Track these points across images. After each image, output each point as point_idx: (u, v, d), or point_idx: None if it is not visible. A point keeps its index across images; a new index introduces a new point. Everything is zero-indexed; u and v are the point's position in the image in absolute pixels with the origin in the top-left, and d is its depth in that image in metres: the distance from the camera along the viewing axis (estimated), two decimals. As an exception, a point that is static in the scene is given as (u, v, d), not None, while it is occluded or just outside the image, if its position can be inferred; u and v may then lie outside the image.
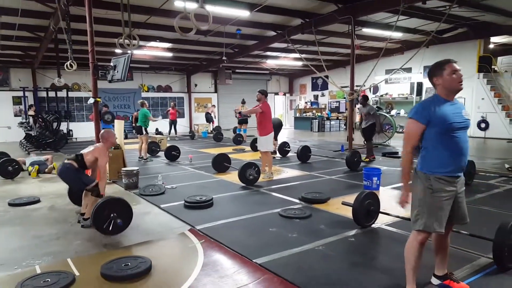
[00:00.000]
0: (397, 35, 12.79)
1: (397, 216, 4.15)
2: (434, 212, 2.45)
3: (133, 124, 14.13)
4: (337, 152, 10.66)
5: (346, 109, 19.06)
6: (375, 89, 17.50)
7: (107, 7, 8.71)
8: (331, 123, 19.69)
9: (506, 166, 7.09)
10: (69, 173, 4.33)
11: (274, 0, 9.32)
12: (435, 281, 2.78)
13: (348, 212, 4.30)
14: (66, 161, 4.38)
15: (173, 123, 16.30)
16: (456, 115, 2.45)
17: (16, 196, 5.93)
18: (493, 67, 14.20)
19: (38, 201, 5.64)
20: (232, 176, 7.13)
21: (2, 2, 8.71)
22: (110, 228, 3.99)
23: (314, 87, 22.96)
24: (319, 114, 20.39)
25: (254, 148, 10.47)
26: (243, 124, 14.45)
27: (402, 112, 16.61)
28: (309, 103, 22.52)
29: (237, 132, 14.22)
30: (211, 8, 8.52)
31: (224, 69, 18.89)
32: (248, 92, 22.15)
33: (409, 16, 10.34)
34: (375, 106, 13.16)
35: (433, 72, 2.53)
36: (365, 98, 9.38)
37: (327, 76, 13.17)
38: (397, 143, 12.65)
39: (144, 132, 9.66)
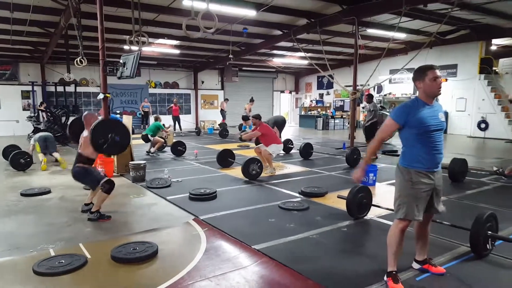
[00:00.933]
0: (401, 36, 12.96)
1: (387, 209, 4.41)
2: (414, 202, 2.71)
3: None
4: (339, 150, 10.91)
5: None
6: (379, 88, 17.66)
7: (117, 5, 8.95)
8: (336, 121, 19.88)
9: (494, 168, 7.08)
10: (80, 176, 4.60)
11: (280, 0, 9.54)
12: (415, 265, 3.06)
13: (343, 206, 4.56)
14: (74, 166, 4.59)
15: (176, 119, 16.55)
16: (433, 118, 2.69)
17: (28, 187, 6.17)
18: (494, 68, 14.33)
19: (49, 191, 5.90)
20: (236, 171, 7.38)
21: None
22: (108, 146, 4.41)
23: (320, 86, 23.16)
24: (324, 112, 20.59)
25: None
26: (248, 121, 14.68)
27: (405, 111, 16.73)
28: (314, 102, 22.72)
29: (243, 129, 14.47)
30: (218, 7, 8.74)
31: (230, 67, 19.14)
32: (255, 90, 22.45)
33: (412, 17, 10.53)
34: (378, 105, 13.35)
35: (416, 76, 2.76)
36: (370, 96, 9.66)
37: (331, 75, 13.38)
38: (397, 141, 12.81)
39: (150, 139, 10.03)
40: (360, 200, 4.39)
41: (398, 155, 10.06)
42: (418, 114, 2.66)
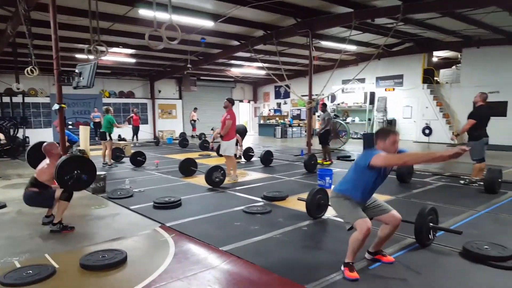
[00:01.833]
0: (352, 48, 13.79)
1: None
2: (352, 210, 3.10)
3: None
4: (297, 157, 11.36)
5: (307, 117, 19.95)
6: (333, 98, 18.52)
7: (70, 13, 8.76)
8: (293, 129, 20.49)
9: (461, 182, 6.87)
10: (33, 200, 4.43)
11: (238, 12, 9.82)
12: (368, 256, 3.43)
13: (303, 208, 4.86)
14: (26, 189, 4.41)
15: (137, 129, 16.28)
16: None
17: (-20, 202, 5.86)
18: (435, 78, 15.67)
19: (4, 205, 5.67)
20: (199, 180, 7.50)
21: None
22: (73, 183, 4.21)
23: (277, 95, 23.80)
24: (282, 121, 21.16)
25: (219, 153, 10.88)
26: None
27: (357, 119, 17.71)
28: (272, 111, 23.29)
29: (203, 138, 14.54)
30: (176, 17, 8.81)
31: (189, 76, 19.09)
32: (214, 99, 22.56)
33: (362, 31, 11.31)
34: (332, 114, 14.08)
35: (379, 136, 3.12)
36: (324, 105, 10.31)
37: (288, 85, 13.90)
38: (351, 147, 13.59)
39: (108, 138, 9.74)
40: (318, 201, 4.73)
41: (352, 160, 10.67)
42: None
